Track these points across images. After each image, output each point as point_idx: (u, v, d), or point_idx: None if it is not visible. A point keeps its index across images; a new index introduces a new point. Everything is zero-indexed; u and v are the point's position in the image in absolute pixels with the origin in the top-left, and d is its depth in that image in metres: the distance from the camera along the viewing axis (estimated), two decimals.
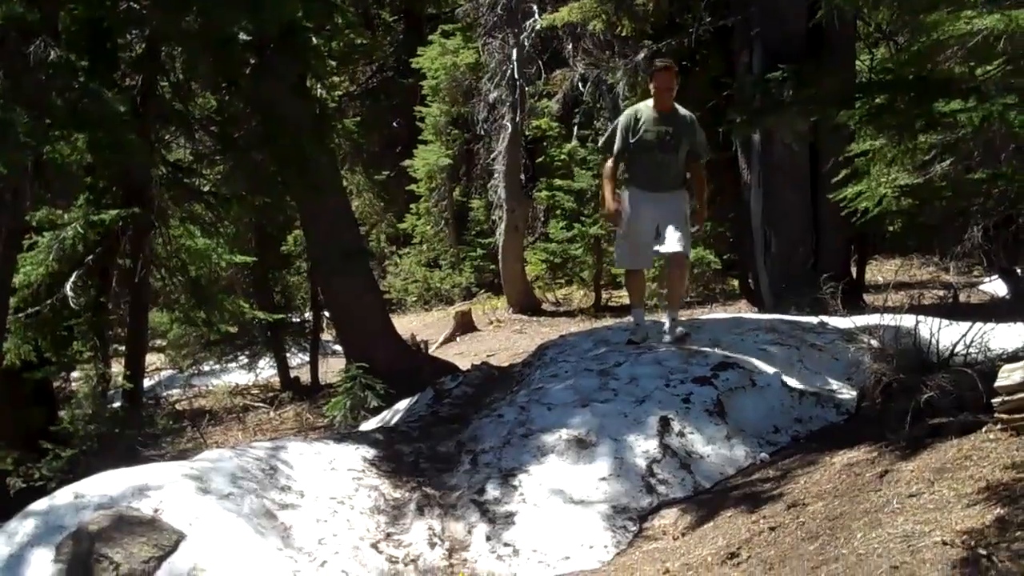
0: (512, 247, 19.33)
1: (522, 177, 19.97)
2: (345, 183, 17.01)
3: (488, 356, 14.00)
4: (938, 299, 11.40)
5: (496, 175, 19.80)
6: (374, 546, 6.07)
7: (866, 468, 5.66)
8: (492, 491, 6.59)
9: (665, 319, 8.80)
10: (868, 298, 12.75)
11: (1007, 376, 5.22)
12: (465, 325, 18.08)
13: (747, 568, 5.06)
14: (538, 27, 18.20)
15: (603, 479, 6.56)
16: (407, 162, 23.44)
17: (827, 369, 8.03)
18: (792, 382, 7.63)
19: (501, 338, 16.99)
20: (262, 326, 14.41)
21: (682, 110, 8.46)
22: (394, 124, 26.57)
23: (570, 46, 18.73)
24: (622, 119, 8.62)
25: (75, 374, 10.42)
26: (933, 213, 8.75)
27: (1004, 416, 5.21)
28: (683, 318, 8.88)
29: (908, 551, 4.36)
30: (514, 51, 18.79)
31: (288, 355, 15.67)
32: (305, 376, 15.43)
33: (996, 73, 5.91)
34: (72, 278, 9.40)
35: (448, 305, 21.64)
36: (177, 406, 13.54)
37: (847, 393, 7.53)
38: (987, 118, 5.63)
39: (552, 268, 19.84)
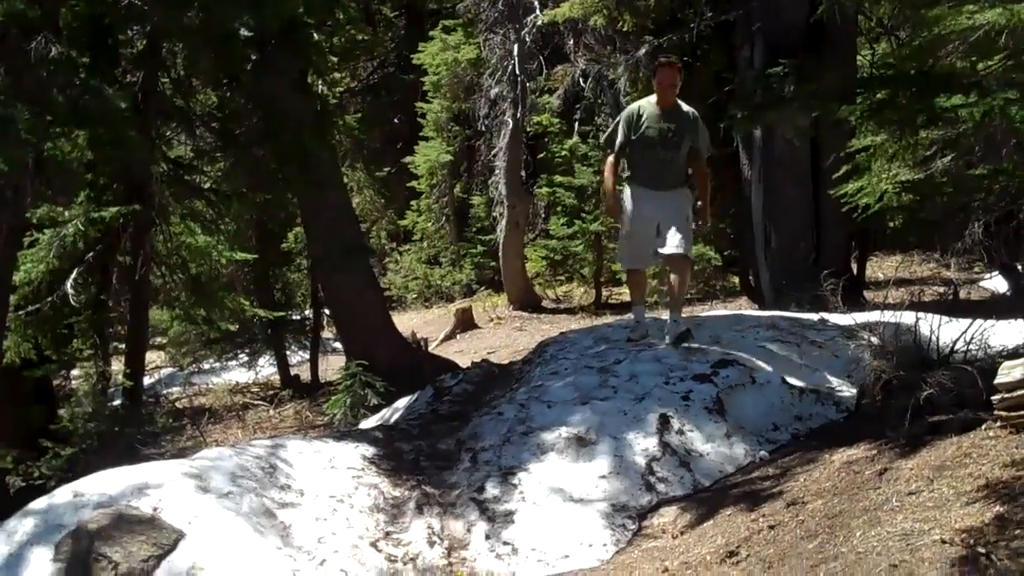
0: (513, 244, 19.34)
1: (523, 173, 19.97)
2: (346, 180, 17.03)
3: (488, 353, 14.00)
4: (938, 296, 11.37)
5: (497, 171, 19.81)
6: (373, 544, 6.06)
7: (865, 466, 5.65)
8: (492, 489, 6.58)
9: (666, 318, 8.77)
10: (868, 295, 12.75)
11: (1007, 373, 5.21)
12: (465, 322, 18.10)
13: (746, 566, 5.05)
14: (539, 23, 18.19)
15: (603, 477, 6.56)
16: (408, 158, 23.45)
17: (827, 366, 8.01)
18: (792, 379, 7.61)
19: (501, 335, 16.99)
20: (262, 324, 14.43)
21: (685, 107, 8.41)
22: (395, 120, 26.62)
23: (571, 42, 18.72)
24: (624, 114, 8.60)
25: (75, 372, 10.43)
26: (934, 209, 8.75)
27: (1004, 413, 5.20)
28: (684, 315, 8.84)
29: (907, 549, 4.35)
30: (515, 47, 18.78)
31: (288, 353, 15.69)
32: (305, 374, 15.44)
33: (997, 68, 5.90)
34: (72, 275, 9.40)
35: (448, 302, 21.65)
36: (177, 404, 13.55)
37: (847, 390, 7.51)
38: (988, 113, 5.62)
39: (553, 265, 19.85)
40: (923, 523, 4.55)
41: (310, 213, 12.72)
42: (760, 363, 7.84)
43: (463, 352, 15.18)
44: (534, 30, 18.74)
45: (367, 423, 9.87)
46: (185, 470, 6.27)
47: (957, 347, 6.39)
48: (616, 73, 16.95)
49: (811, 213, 12.88)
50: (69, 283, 9.35)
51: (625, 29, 15.92)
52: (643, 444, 6.80)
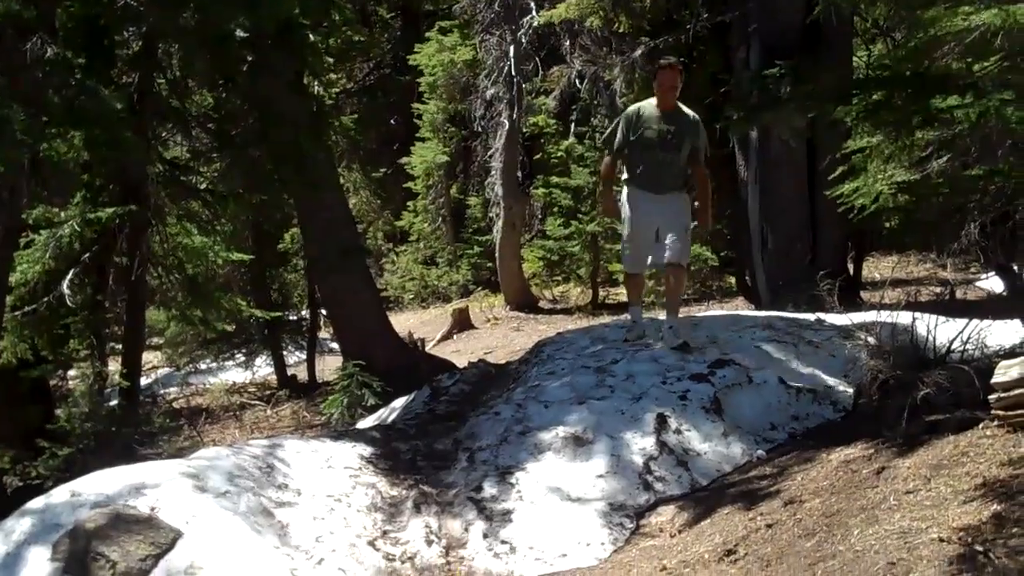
0: (509, 244, 19.34)
1: (519, 174, 19.98)
2: (342, 181, 17.04)
3: (485, 353, 14.00)
4: (935, 296, 11.42)
5: (493, 172, 19.81)
6: (371, 544, 6.06)
7: (863, 465, 5.66)
8: (489, 489, 6.59)
9: (663, 319, 8.78)
10: (865, 295, 12.77)
11: (1004, 372, 5.22)
12: (462, 323, 18.09)
13: (744, 565, 5.06)
14: (535, 24, 18.19)
15: (600, 476, 6.56)
16: (404, 159, 23.43)
17: (824, 366, 8.00)
18: (789, 379, 7.61)
19: (498, 335, 16.99)
20: (259, 324, 14.41)
21: (686, 110, 8.38)
22: (391, 121, 26.58)
23: (567, 43, 18.73)
24: (624, 115, 8.61)
25: (72, 372, 10.42)
26: (930, 210, 8.74)
27: (1001, 412, 5.21)
28: (681, 315, 8.84)
29: (905, 548, 4.36)
30: (511, 48, 18.79)
31: (285, 353, 15.67)
32: (302, 374, 15.43)
33: (993, 69, 5.91)
34: (69, 276, 9.38)
35: (445, 303, 21.63)
36: (174, 404, 13.53)
37: (844, 390, 7.52)
38: (984, 114, 5.63)
39: (549, 265, 19.84)
40: (921, 521, 4.56)
41: (306, 214, 12.72)
42: (757, 363, 7.85)
43: (460, 352, 15.18)
44: (530, 31, 18.75)
45: (364, 423, 9.87)
46: (182, 470, 6.28)
47: (954, 347, 6.41)
48: (612, 74, 16.95)
49: (807, 214, 12.88)
50: (65, 284, 9.33)
51: (621, 30, 15.91)
52: (641, 443, 6.81)
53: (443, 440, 7.56)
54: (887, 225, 11.65)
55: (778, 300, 11.85)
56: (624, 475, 6.57)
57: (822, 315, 8.88)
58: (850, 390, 7.39)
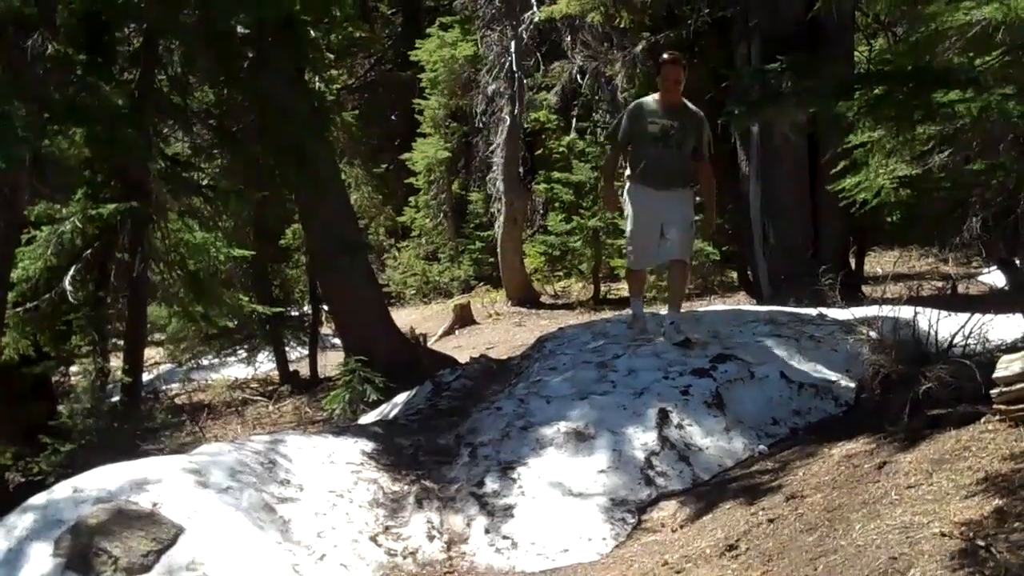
0: (511, 240, 19.33)
1: (520, 170, 19.97)
2: (343, 176, 16.97)
3: (487, 349, 14.00)
4: (937, 290, 11.43)
5: (495, 168, 19.81)
6: (373, 539, 6.07)
7: (865, 460, 5.66)
8: (491, 484, 6.60)
9: (665, 314, 8.78)
10: (867, 289, 12.77)
11: (1005, 367, 5.22)
12: (464, 318, 18.08)
13: (746, 560, 5.06)
14: (536, 19, 18.18)
15: (602, 471, 6.57)
16: (406, 155, 23.42)
17: (826, 361, 8.00)
18: (791, 374, 7.62)
19: (500, 331, 16.98)
20: (261, 320, 14.39)
21: (691, 106, 8.38)
22: (392, 117, 26.62)
23: (568, 38, 18.73)
24: (628, 109, 8.63)
25: (74, 368, 10.41)
26: (932, 204, 8.74)
27: (1003, 407, 5.21)
28: (683, 310, 8.85)
29: (907, 542, 4.36)
30: (512, 43, 18.78)
31: (287, 349, 15.64)
32: (304, 370, 15.41)
33: (995, 63, 5.90)
34: (71, 272, 9.37)
35: (447, 298, 21.61)
36: (176, 400, 13.50)
37: (846, 385, 7.51)
38: (985, 109, 5.62)
39: (551, 261, 19.83)
40: (922, 516, 4.56)
41: (308, 210, 12.71)
42: (759, 358, 7.85)
43: (462, 348, 15.17)
44: (531, 27, 18.75)
45: (366, 418, 9.86)
46: (184, 465, 6.28)
47: (956, 341, 6.39)
48: (613, 70, 16.97)
49: (809, 209, 12.89)
50: (67, 280, 9.32)
51: (622, 26, 15.92)
52: (642, 438, 6.81)
53: (445, 435, 7.56)
54: (889, 220, 11.67)
55: (780, 295, 11.86)
56: (626, 470, 6.58)
57: (824, 310, 8.88)
58: (852, 385, 7.38)
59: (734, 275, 17.10)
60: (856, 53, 13.52)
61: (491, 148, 20.16)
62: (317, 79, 11.80)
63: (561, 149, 20.39)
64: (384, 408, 9.91)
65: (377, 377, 10.84)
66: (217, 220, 10.80)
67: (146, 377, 11.77)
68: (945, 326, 6.53)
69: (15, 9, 7.78)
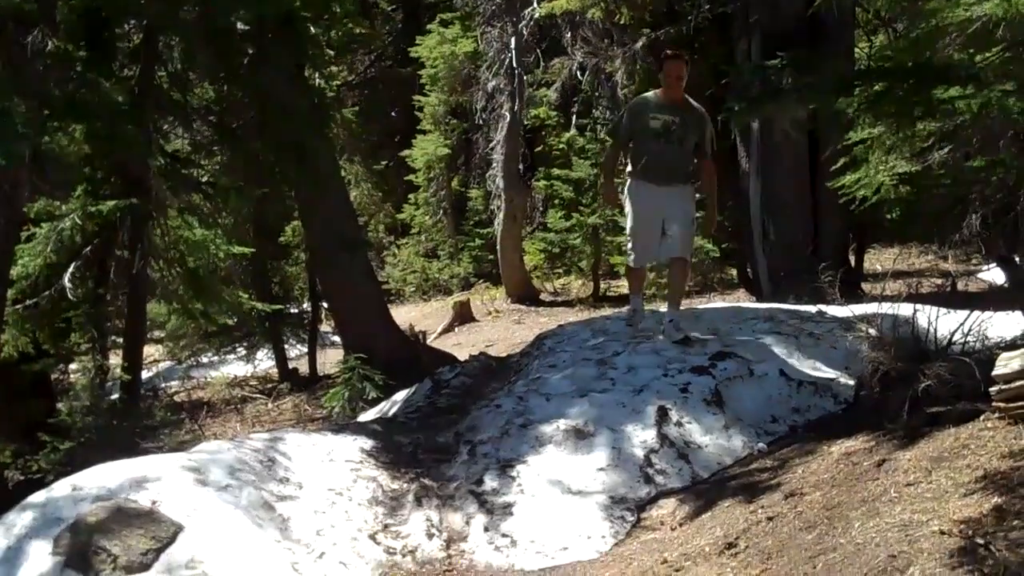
0: (510, 237, 19.33)
1: (520, 167, 19.97)
2: (343, 173, 16.99)
3: (486, 346, 14.01)
4: (936, 287, 11.41)
5: (494, 165, 19.82)
6: (372, 537, 6.07)
7: (864, 457, 5.66)
8: (490, 482, 6.60)
9: (664, 311, 8.77)
10: (866, 287, 12.76)
11: (1005, 364, 5.21)
12: (463, 315, 18.09)
13: (745, 558, 5.06)
14: (536, 16, 18.19)
15: (601, 469, 6.56)
16: (405, 152, 23.44)
17: (825, 358, 8.01)
18: (790, 372, 7.62)
19: (499, 328, 17.00)
20: (260, 317, 14.39)
21: (693, 103, 8.36)
22: (392, 114, 26.60)
23: (568, 35, 18.75)
24: (630, 105, 8.64)
25: (73, 366, 10.41)
26: (931, 201, 8.75)
27: (1002, 404, 5.20)
28: (683, 307, 8.84)
29: (906, 540, 4.36)
30: (512, 40, 18.79)
31: (286, 346, 15.66)
32: (303, 367, 15.43)
33: (995, 60, 5.89)
34: (70, 269, 9.37)
35: (446, 295, 21.64)
36: (175, 398, 13.50)
37: (845, 382, 7.51)
38: (986, 105, 5.61)
39: (550, 258, 19.84)
40: (921, 514, 4.56)
41: (308, 207, 12.71)
42: (758, 355, 7.84)
43: (461, 345, 15.19)
44: (531, 23, 18.76)
45: (365, 416, 9.87)
46: (184, 463, 6.28)
47: (955, 339, 6.39)
48: (613, 66, 16.97)
49: (809, 205, 12.88)
50: (67, 277, 9.32)
51: (622, 22, 15.92)
52: (642, 436, 6.81)
53: (444, 433, 7.55)
54: (889, 216, 11.69)
55: (779, 292, 11.86)
56: (625, 468, 6.57)
57: (823, 307, 8.89)
58: (851, 382, 7.38)
59: (734, 272, 17.11)
60: (856, 49, 13.50)
61: (491, 145, 20.16)
62: (317, 75, 11.81)
63: (561, 146, 20.40)
64: (383, 406, 9.91)
65: (376, 375, 10.85)
66: (217, 217, 10.80)
67: (145, 375, 11.78)
68: (944, 323, 6.53)
69: (15, 5, 7.77)
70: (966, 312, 6.56)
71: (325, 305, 14.57)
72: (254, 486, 6.21)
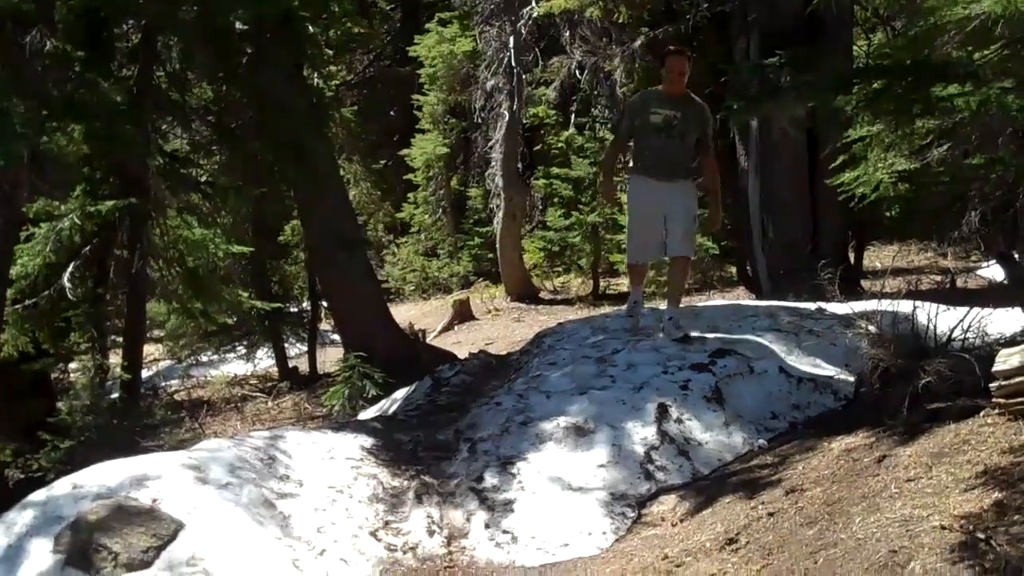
0: (510, 235, 19.34)
1: (519, 165, 19.98)
2: (342, 172, 16.99)
3: (486, 344, 14.01)
4: (936, 284, 11.42)
5: (493, 163, 19.82)
6: (373, 534, 6.07)
7: (864, 453, 5.66)
8: (490, 479, 6.60)
9: (664, 309, 8.77)
10: (866, 284, 12.76)
11: (1004, 361, 5.22)
12: (463, 314, 18.09)
13: (746, 554, 5.06)
14: (535, 15, 18.21)
15: (601, 466, 6.56)
16: (404, 151, 23.46)
17: (825, 355, 8.01)
18: (790, 368, 7.63)
19: (499, 326, 17.00)
20: (260, 316, 14.39)
21: (695, 98, 8.35)
22: (391, 113, 26.60)
23: (567, 34, 18.75)
24: (632, 101, 8.64)
25: (73, 365, 10.42)
26: (931, 198, 8.75)
27: (1002, 400, 5.21)
28: (682, 305, 8.84)
29: (906, 535, 4.36)
30: (511, 39, 18.80)
31: (286, 345, 15.65)
32: (303, 366, 15.42)
33: (994, 57, 5.89)
34: (69, 269, 9.37)
35: (446, 294, 21.64)
36: (175, 396, 13.50)
37: (845, 379, 7.52)
38: (984, 103, 5.62)
39: (550, 256, 19.86)
40: (922, 509, 4.56)
41: (307, 206, 12.70)
42: (758, 352, 7.85)
43: (461, 343, 15.18)
44: (530, 22, 18.77)
45: (365, 414, 9.87)
46: (184, 461, 6.28)
47: (955, 335, 6.40)
48: (612, 65, 16.98)
49: (808, 203, 12.89)
50: (66, 277, 9.32)
51: (621, 21, 15.94)
52: (642, 433, 6.81)
53: (444, 431, 7.55)
54: (888, 214, 11.69)
55: (779, 290, 11.87)
56: (625, 465, 6.58)
57: (823, 304, 8.89)
58: (851, 379, 7.38)
59: (733, 270, 17.13)
60: (855, 47, 13.52)
61: (490, 144, 20.17)
62: (316, 75, 11.81)
63: (560, 145, 20.42)
64: (383, 404, 9.91)
65: (376, 373, 10.85)
66: (216, 216, 10.80)
67: (145, 374, 11.79)
68: (944, 320, 6.54)
69: (13, 5, 7.77)
70: (966, 309, 6.58)
71: (325, 304, 14.57)
72: (255, 484, 6.21)
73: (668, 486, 6.44)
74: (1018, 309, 7.52)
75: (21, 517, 5.78)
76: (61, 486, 6.02)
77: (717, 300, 14.25)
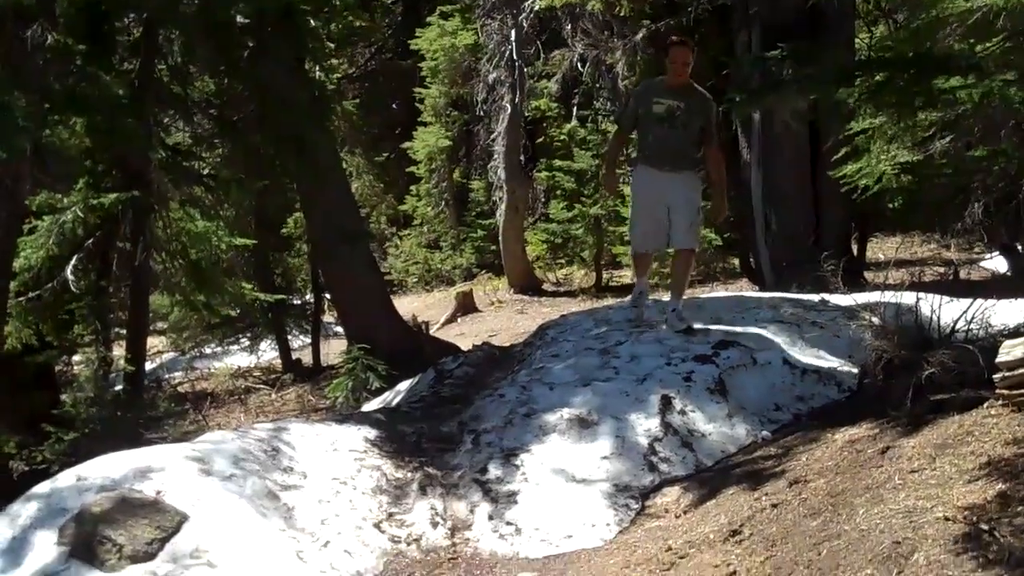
0: (513, 228, 19.34)
1: (522, 158, 19.96)
2: (345, 165, 16.98)
3: (489, 336, 14.00)
4: (939, 276, 11.43)
5: (496, 156, 19.82)
6: (376, 526, 6.08)
7: (868, 445, 5.67)
8: (494, 471, 6.60)
9: (667, 301, 8.77)
10: (869, 276, 12.75)
11: (1008, 352, 5.22)
12: (466, 306, 18.09)
13: (749, 545, 5.07)
14: (536, 7, 18.19)
15: (605, 458, 6.57)
16: (407, 144, 23.42)
17: (828, 347, 8.01)
18: (793, 360, 7.63)
19: (502, 318, 16.99)
20: (263, 308, 14.40)
21: (699, 88, 8.32)
22: (393, 106, 26.58)
23: (569, 26, 18.74)
24: (635, 91, 8.62)
25: (77, 358, 10.41)
26: (933, 190, 8.75)
27: (1005, 392, 5.21)
28: (685, 297, 8.82)
29: (910, 527, 4.37)
30: (513, 32, 18.79)
31: (289, 337, 15.67)
32: (307, 358, 15.44)
33: (996, 50, 5.90)
34: (72, 262, 9.39)
35: (449, 286, 21.62)
36: (179, 389, 13.51)
37: (848, 370, 7.52)
38: (986, 95, 5.62)
39: (553, 248, 19.86)
40: (926, 500, 4.56)
41: (309, 199, 12.72)
42: (762, 344, 7.86)
43: (464, 335, 15.18)
44: (531, 15, 18.75)
45: (369, 406, 9.88)
46: (188, 453, 6.28)
47: (958, 327, 6.39)
48: (614, 58, 16.99)
49: (811, 195, 12.90)
50: (69, 269, 9.33)
51: (622, 14, 15.95)
52: (645, 425, 6.81)
53: (448, 423, 7.56)
54: (890, 206, 11.68)
55: (782, 281, 11.86)
56: (629, 456, 6.58)
57: (826, 296, 8.89)
58: (854, 370, 7.38)
59: (736, 262, 17.10)
60: (857, 40, 13.50)
61: (492, 136, 20.16)
62: (317, 68, 11.82)
63: (562, 137, 20.41)
64: (387, 396, 9.93)
65: (380, 365, 10.86)
66: (218, 209, 10.82)
67: (149, 366, 11.80)
68: (947, 311, 6.53)
69: (15, 0, 7.77)
70: (969, 300, 6.56)
71: (328, 296, 14.58)
72: (258, 476, 6.21)
73: (672, 478, 6.45)
74: (1021, 300, 7.53)
75: (25, 509, 5.79)
76: (65, 478, 6.03)
77: (720, 292, 14.24)
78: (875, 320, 6.74)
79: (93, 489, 5.81)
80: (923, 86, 5.95)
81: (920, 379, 5.69)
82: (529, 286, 19.30)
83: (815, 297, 9.17)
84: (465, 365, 9.25)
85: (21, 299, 9.17)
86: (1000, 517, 4.20)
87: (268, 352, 16.08)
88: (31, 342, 9.39)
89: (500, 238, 19.93)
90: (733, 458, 6.60)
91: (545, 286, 19.70)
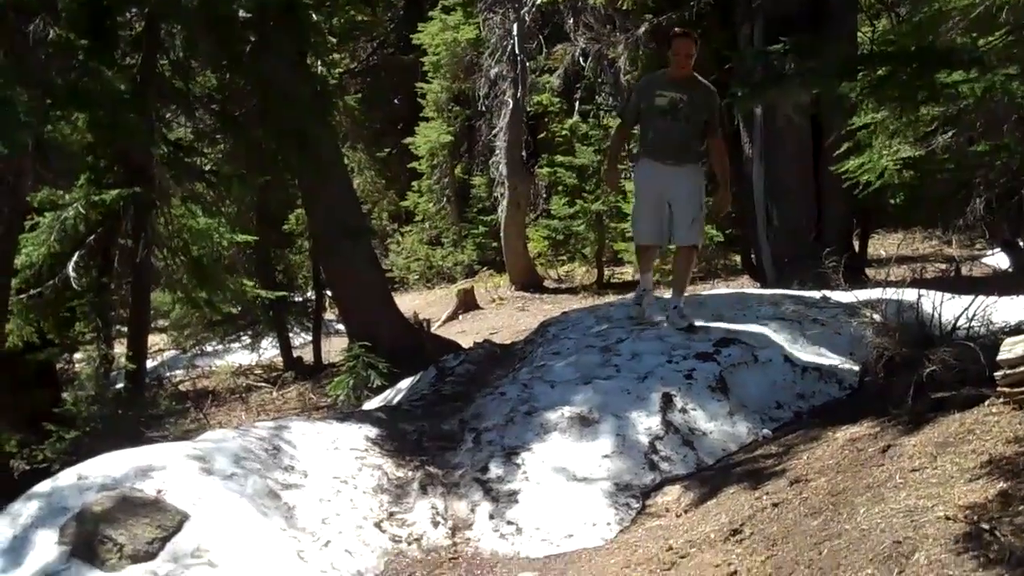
0: (514, 224, 19.33)
1: (523, 153, 19.96)
2: (346, 161, 17.00)
3: (491, 333, 14.01)
4: (940, 273, 11.40)
5: (498, 152, 19.81)
6: (377, 525, 6.07)
7: (869, 443, 5.65)
8: (495, 469, 6.59)
9: (668, 298, 8.75)
10: (870, 272, 12.74)
11: (1010, 349, 5.20)
12: (467, 303, 18.10)
13: (750, 544, 5.06)
14: (538, 2, 18.19)
15: (606, 456, 6.56)
16: (408, 139, 23.42)
17: (829, 344, 8.00)
18: (794, 357, 7.62)
19: (503, 315, 16.99)
20: (264, 305, 14.39)
21: (702, 80, 8.28)
22: (395, 101, 26.58)
23: (571, 21, 18.73)
24: (638, 84, 8.59)
25: (78, 355, 10.42)
26: (935, 185, 8.74)
27: (1007, 390, 5.19)
28: (686, 293, 8.80)
29: (911, 526, 4.35)
30: (515, 26, 18.78)
31: (291, 335, 15.67)
32: (308, 356, 15.45)
33: (998, 44, 5.88)
34: (74, 259, 9.38)
35: (450, 283, 21.64)
36: (180, 387, 13.52)
37: (850, 368, 7.51)
38: (989, 89, 5.61)
39: (554, 245, 19.86)
40: (927, 499, 4.55)
41: (311, 195, 12.72)
42: (763, 341, 7.84)
43: (465, 333, 15.19)
44: (533, 9, 18.75)
45: (370, 404, 9.88)
46: (189, 452, 6.27)
47: (959, 324, 6.37)
48: (616, 52, 16.96)
49: (812, 191, 12.89)
50: (70, 266, 9.33)
51: (625, 8, 15.92)
52: (646, 423, 6.80)
53: (449, 421, 7.54)
54: (892, 201, 11.65)
55: (783, 278, 11.87)
56: (630, 455, 6.57)
57: (827, 293, 8.88)
58: (856, 368, 7.37)
59: (737, 258, 17.11)
60: (859, 34, 13.48)
61: (494, 132, 20.16)
62: (319, 63, 11.80)
63: (564, 132, 20.40)
64: (388, 394, 9.92)
65: (381, 363, 10.85)
66: (220, 205, 10.81)
67: (150, 364, 11.80)
68: (949, 308, 6.51)
69: None
70: (971, 297, 6.54)
71: (329, 293, 14.58)
72: (259, 474, 6.20)
73: (672, 476, 6.44)
74: (1023, 297, 7.50)
75: (26, 508, 5.78)
76: (66, 477, 6.02)
77: (721, 289, 14.23)
78: (876, 317, 6.72)
79: (94, 488, 5.80)
80: (925, 80, 5.93)
81: (921, 377, 5.68)
82: (530, 283, 19.30)
83: (816, 294, 9.16)
84: (466, 363, 9.24)
85: (22, 296, 9.17)
86: (1001, 516, 4.18)
87: (269, 350, 16.09)
88: (32, 340, 9.39)
89: (501, 234, 19.93)
90: (734, 456, 6.59)
91: (546, 283, 19.70)
